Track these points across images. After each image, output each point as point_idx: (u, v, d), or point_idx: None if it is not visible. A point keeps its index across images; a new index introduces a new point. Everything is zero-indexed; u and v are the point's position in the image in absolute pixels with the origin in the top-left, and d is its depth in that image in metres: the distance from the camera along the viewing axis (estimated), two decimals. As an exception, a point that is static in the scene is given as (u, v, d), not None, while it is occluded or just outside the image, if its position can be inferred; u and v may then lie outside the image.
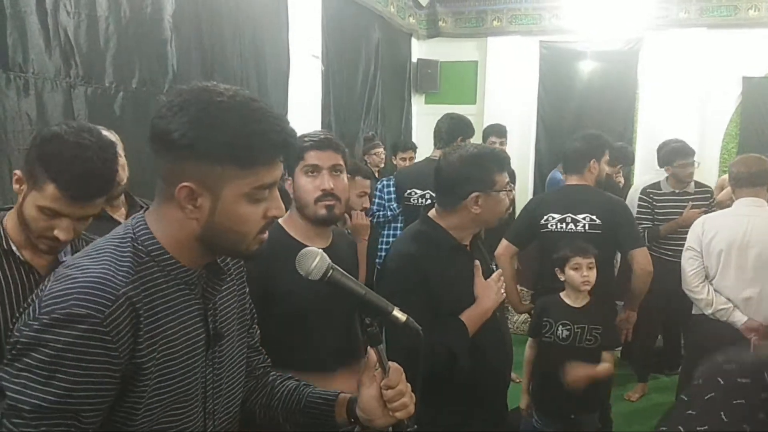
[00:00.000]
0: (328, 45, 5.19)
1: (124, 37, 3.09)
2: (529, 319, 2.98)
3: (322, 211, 1.67)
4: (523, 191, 6.39)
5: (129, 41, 3.12)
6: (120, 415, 0.98)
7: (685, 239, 3.03)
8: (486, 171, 1.85)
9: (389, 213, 4.11)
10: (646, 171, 5.74)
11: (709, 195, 3.88)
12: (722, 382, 0.70)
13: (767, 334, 2.75)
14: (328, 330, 1.71)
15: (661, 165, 4.02)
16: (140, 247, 1.01)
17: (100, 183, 1.42)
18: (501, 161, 1.91)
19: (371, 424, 1.16)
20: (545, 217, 2.96)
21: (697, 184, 3.95)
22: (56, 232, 1.41)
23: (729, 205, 3.17)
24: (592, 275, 2.57)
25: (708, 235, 2.87)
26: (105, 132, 2.12)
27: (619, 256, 3.32)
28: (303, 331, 1.65)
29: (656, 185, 3.99)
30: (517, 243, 3.08)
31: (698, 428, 0.69)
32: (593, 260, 2.57)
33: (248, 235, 1.03)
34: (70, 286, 0.93)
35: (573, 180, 3.03)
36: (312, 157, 1.67)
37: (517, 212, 3.54)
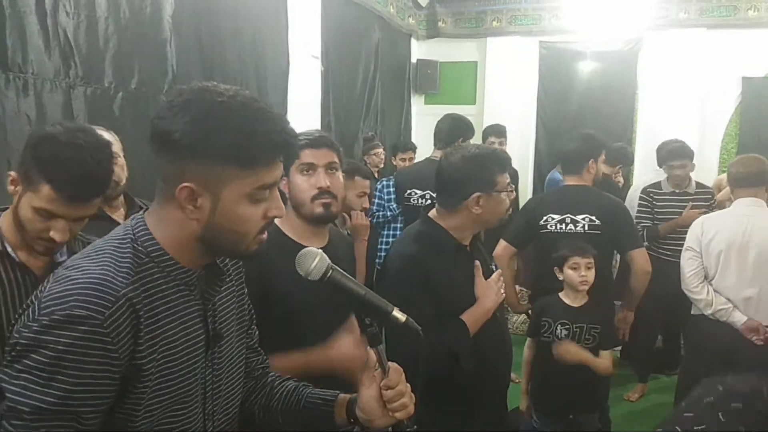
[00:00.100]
0: (328, 45, 5.19)
1: (124, 37, 3.09)
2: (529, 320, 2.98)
3: (319, 210, 1.66)
4: (523, 191, 6.39)
5: (128, 42, 3.12)
6: (120, 417, 0.98)
7: (684, 239, 3.03)
8: (487, 171, 1.85)
9: (389, 213, 4.11)
10: (645, 171, 5.74)
11: (710, 196, 3.88)
12: (721, 389, 0.71)
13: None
14: (326, 331, 1.71)
15: (659, 165, 4.04)
16: (140, 248, 1.01)
17: (95, 183, 1.41)
18: (502, 162, 1.91)
19: (371, 425, 1.16)
20: (545, 218, 2.96)
21: (699, 185, 3.95)
22: (52, 234, 1.40)
23: (728, 205, 3.17)
24: (591, 275, 2.57)
25: (707, 236, 2.87)
26: (104, 132, 2.12)
27: (618, 256, 3.32)
28: (301, 332, 1.64)
29: (657, 185, 4.00)
30: (516, 243, 3.08)
31: (695, 428, 0.69)
32: (592, 260, 2.58)
33: (248, 235, 1.03)
34: (70, 287, 0.93)
35: (571, 180, 3.03)
36: (307, 156, 1.66)
37: (518, 213, 3.53)
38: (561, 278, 2.63)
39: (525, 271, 4.36)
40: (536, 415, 2.66)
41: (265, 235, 1.06)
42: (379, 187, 4.19)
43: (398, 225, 4.06)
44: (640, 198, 3.99)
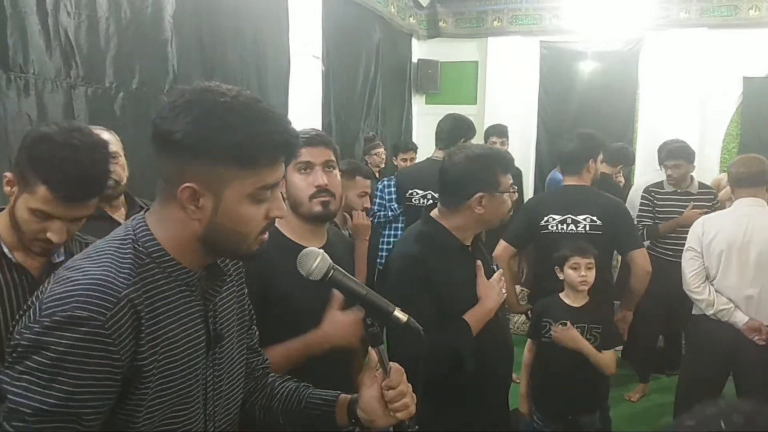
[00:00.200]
0: (329, 45, 5.19)
1: (125, 37, 3.09)
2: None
3: (318, 208, 1.64)
4: (525, 191, 6.39)
5: (129, 42, 3.12)
6: (121, 418, 0.97)
7: (685, 239, 3.03)
8: (491, 172, 1.85)
9: (390, 213, 4.11)
10: (646, 171, 5.74)
11: (713, 197, 3.87)
12: (723, 404, 0.72)
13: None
14: None
15: (659, 164, 4.04)
16: (141, 248, 1.00)
17: (91, 184, 1.40)
18: (506, 163, 1.92)
19: (372, 425, 1.16)
20: (546, 218, 2.96)
21: (701, 185, 3.94)
22: (49, 235, 1.39)
23: (729, 205, 3.17)
24: (591, 275, 2.57)
25: (708, 236, 2.87)
26: (104, 132, 2.13)
27: (619, 256, 3.32)
28: (301, 332, 1.63)
29: (659, 184, 4.00)
30: (516, 244, 3.08)
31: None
32: (592, 260, 2.58)
33: (250, 235, 1.03)
34: (71, 288, 0.93)
35: (571, 180, 3.03)
36: (304, 154, 1.64)
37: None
38: (561, 278, 2.63)
39: (528, 272, 4.36)
40: (537, 416, 2.66)
41: (266, 236, 1.06)
42: (380, 187, 4.19)
43: (399, 225, 4.07)
44: (642, 197, 3.99)
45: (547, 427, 2.63)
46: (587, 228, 2.87)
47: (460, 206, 1.85)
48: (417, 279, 1.77)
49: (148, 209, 1.07)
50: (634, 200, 4.19)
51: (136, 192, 2.21)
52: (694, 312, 3.01)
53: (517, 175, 4.44)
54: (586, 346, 2.48)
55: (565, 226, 2.91)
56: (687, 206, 3.78)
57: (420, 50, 7.37)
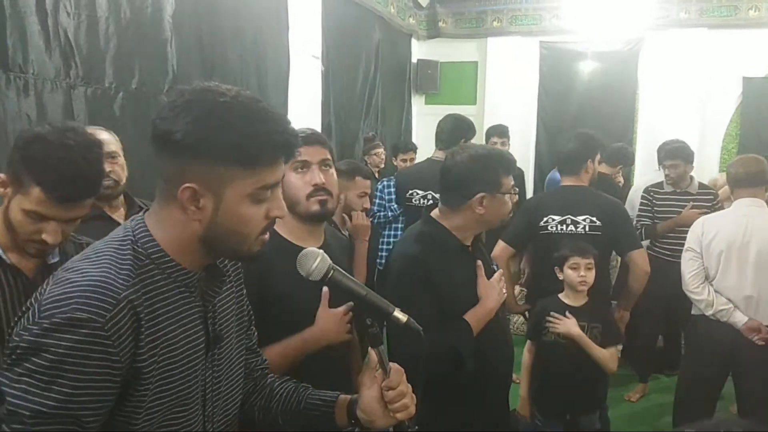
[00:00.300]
0: (328, 45, 5.19)
1: (124, 37, 3.08)
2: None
3: (315, 207, 1.63)
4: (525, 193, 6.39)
5: (129, 42, 3.12)
6: (120, 419, 0.97)
7: (684, 239, 3.03)
8: (493, 172, 1.85)
9: (390, 213, 4.11)
10: (646, 171, 5.74)
11: (712, 197, 3.86)
12: (724, 418, 0.73)
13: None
14: None
15: (659, 164, 4.05)
16: (140, 249, 1.00)
17: (86, 184, 1.38)
18: (509, 164, 1.92)
19: (372, 426, 1.16)
20: (545, 219, 2.95)
21: (701, 186, 3.95)
22: (44, 236, 1.38)
23: (728, 205, 3.17)
24: (590, 276, 2.57)
25: (708, 236, 2.87)
26: (104, 132, 2.13)
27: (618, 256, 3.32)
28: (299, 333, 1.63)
29: (659, 184, 4.01)
30: (515, 244, 3.07)
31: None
32: (592, 261, 2.58)
33: (250, 235, 1.03)
34: (71, 289, 0.92)
35: (569, 181, 3.03)
36: (300, 153, 1.63)
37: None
38: (561, 278, 2.63)
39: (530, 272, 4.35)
40: (537, 417, 2.66)
41: (267, 236, 1.06)
42: (379, 187, 4.19)
43: (399, 225, 4.06)
44: (642, 197, 4.00)
45: (547, 426, 2.63)
46: (587, 228, 2.87)
47: (461, 206, 1.85)
48: (417, 279, 1.77)
49: (147, 209, 1.07)
50: (633, 200, 4.19)
51: (136, 192, 2.21)
52: (693, 312, 3.01)
53: (519, 176, 4.43)
54: (584, 337, 2.48)
55: (564, 227, 2.91)
56: (686, 206, 3.78)
57: (420, 50, 7.37)
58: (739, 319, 2.78)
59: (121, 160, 2.14)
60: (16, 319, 0.99)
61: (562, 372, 2.52)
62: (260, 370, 1.32)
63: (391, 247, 3.72)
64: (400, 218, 4.03)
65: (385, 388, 1.13)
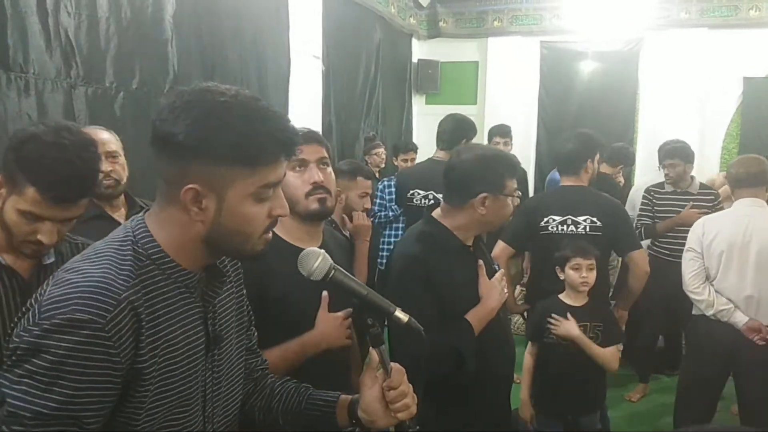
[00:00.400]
0: (329, 45, 5.19)
1: (125, 37, 3.08)
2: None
3: (315, 205, 1.62)
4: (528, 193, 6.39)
5: (129, 42, 3.12)
6: (121, 420, 0.97)
7: (684, 239, 3.03)
8: (497, 174, 1.85)
9: (390, 213, 4.11)
10: (646, 171, 5.74)
11: (713, 197, 3.86)
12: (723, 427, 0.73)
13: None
14: None
15: (659, 164, 4.05)
16: (141, 250, 1.00)
17: (81, 184, 1.37)
18: (513, 166, 1.92)
19: (373, 426, 1.16)
20: (546, 219, 2.95)
21: (702, 186, 3.94)
22: (39, 236, 1.37)
23: (728, 205, 3.17)
24: (592, 276, 2.57)
25: (708, 236, 2.87)
26: (104, 132, 2.13)
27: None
28: (298, 333, 1.63)
29: (660, 184, 4.01)
30: (515, 244, 3.07)
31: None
32: (593, 262, 2.57)
33: (253, 235, 1.02)
34: (71, 290, 0.92)
35: (569, 181, 3.02)
36: (298, 152, 1.63)
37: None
38: (562, 278, 2.63)
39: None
40: (537, 417, 2.66)
41: (269, 235, 1.05)
42: (380, 187, 4.18)
43: (400, 225, 4.06)
44: (643, 197, 4.00)
45: (547, 426, 2.63)
46: (587, 229, 2.87)
47: (463, 204, 1.85)
48: (418, 279, 1.77)
49: (148, 209, 1.07)
50: (634, 200, 4.19)
51: (136, 192, 2.21)
52: (693, 312, 3.01)
53: (522, 177, 4.43)
54: (584, 337, 2.48)
55: (565, 227, 2.91)
56: (685, 206, 3.78)
57: (420, 50, 7.37)
58: (740, 319, 2.78)
59: (122, 159, 2.14)
60: (15, 320, 0.99)
61: (563, 372, 2.52)
62: (260, 370, 1.32)
63: (391, 247, 3.73)
64: (401, 218, 4.02)
65: (386, 388, 1.13)
